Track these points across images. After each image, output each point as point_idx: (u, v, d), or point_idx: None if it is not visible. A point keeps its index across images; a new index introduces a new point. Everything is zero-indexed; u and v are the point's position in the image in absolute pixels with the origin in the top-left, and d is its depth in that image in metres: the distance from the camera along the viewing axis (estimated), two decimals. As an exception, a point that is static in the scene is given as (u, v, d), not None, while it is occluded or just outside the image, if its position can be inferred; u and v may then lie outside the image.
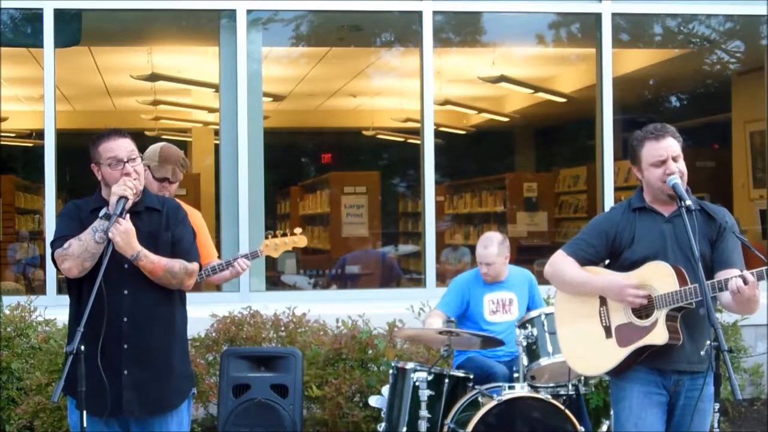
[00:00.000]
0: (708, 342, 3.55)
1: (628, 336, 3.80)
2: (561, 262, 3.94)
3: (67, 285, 3.88)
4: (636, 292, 3.75)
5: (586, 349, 3.95)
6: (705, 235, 3.80)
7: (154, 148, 4.83)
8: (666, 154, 3.80)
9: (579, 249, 3.93)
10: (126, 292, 3.74)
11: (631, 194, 4.04)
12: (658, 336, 3.72)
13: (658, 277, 3.73)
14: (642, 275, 3.77)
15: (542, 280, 4.37)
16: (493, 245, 5.59)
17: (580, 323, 3.94)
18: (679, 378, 3.82)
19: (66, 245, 3.69)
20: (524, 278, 5.78)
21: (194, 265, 3.84)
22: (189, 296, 4.01)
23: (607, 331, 3.86)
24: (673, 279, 3.69)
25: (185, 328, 4.00)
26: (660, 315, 3.72)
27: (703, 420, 3.83)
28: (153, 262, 3.70)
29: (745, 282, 3.56)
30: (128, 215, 3.69)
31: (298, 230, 4.98)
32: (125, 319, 3.73)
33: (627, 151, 3.97)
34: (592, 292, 3.89)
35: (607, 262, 3.98)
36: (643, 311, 3.78)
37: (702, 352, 3.78)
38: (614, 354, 3.83)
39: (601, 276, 3.87)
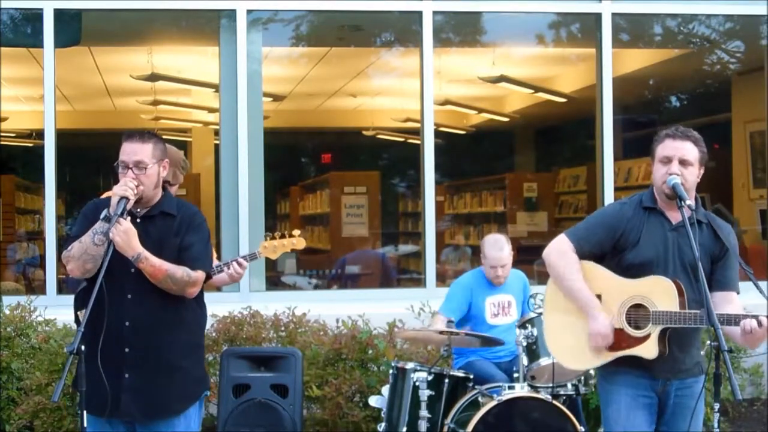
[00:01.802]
0: (708, 342, 3.55)
1: (617, 342, 3.78)
2: (563, 256, 3.87)
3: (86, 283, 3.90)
4: (602, 345, 3.75)
5: (573, 343, 3.91)
6: (707, 251, 3.78)
7: None
8: (675, 154, 3.76)
9: (584, 240, 3.88)
10: (129, 296, 3.74)
11: (633, 193, 4.02)
12: (648, 350, 3.71)
13: (659, 293, 3.70)
14: (643, 287, 3.75)
15: (541, 281, 4.37)
16: (505, 247, 5.59)
17: (571, 315, 3.89)
18: (666, 381, 3.82)
19: (70, 247, 3.72)
20: (519, 280, 5.78)
21: (198, 274, 3.80)
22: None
23: None
24: (673, 298, 3.67)
25: (198, 331, 4.00)
26: (654, 330, 3.70)
27: (697, 419, 3.86)
28: (154, 265, 3.69)
29: (760, 324, 3.55)
30: (138, 219, 3.69)
31: (296, 232, 4.97)
32: (127, 323, 3.72)
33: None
34: (578, 304, 3.85)
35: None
36: (634, 320, 3.75)
37: (702, 352, 3.80)
38: (600, 355, 3.82)
39: (595, 307, 3.80)
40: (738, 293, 3.82)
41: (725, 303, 3.74)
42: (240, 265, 4.73)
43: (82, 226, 3.80)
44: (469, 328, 5.49)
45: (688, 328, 3.72)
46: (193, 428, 3.90)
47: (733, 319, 3.59)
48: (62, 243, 7.07)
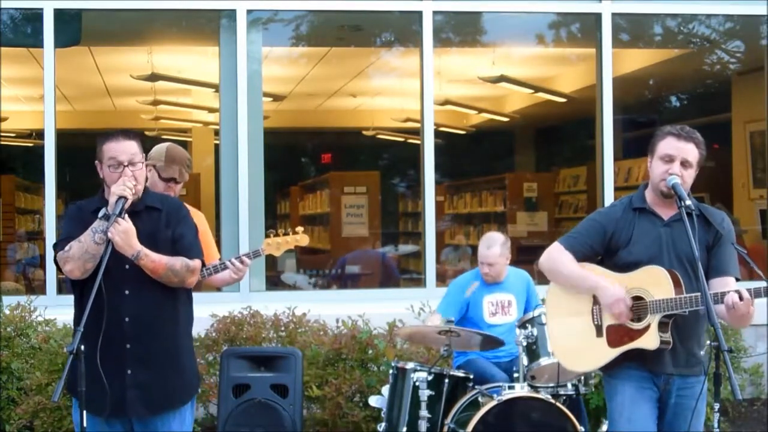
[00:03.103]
0: (708, 342, 3.56)
1: (618, 337, 3.81)
2: (558, 255, 3.93)
3: (71, 285, 3.88)
4: (625, 310, 3.74)
5: (576, 345, 3.95)
6: (701, 241, 3.78)
7: (160, 148, 4.82)
8: (678, 154, 3.78)
9: (576, 243, 3.93)
10: (127, 292, 3.74)
11: (632, 192, 4.04)
12: (649, 341, 3.73)
13: (654, 282, 3.73)
14: (638, 279, 3.78)
15: (542, 280, 4.38)
16: (495, 246, 5.59)
17: (572, 318, 3.94)
18: (669, 377, 3.83)
19: (67, 248, 3.70)
20: (522, 279, 5.78)
21: (196, 262, 3.83)
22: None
23: (598, 329, 3.87)
24: (669, 285, 3.70)
25: (191, 327, 4.00)
26: (653, 320, 3.72)
27: (698, 420, 3.87)
28: (154, 261, 3.70)
29: (741, 298, 3.56)
30: (127, 215, 3.69)
31: (299, 229, 4.99)
32: (127, 319, 3.73)
33: (650, 142, 3.92)
34: (586, 290, 3.89)
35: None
36: (635, 314, 3.78)
37: (702, 352, 3.81)
38: (603, 353, 3.84)
39: (599, 277, 3.86)
40: (738, 279, 3.81)
41: (723, 288, 3.73)
42: (242, 262, 4.74)
43: (69, 228, 3.79)
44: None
45: (689, 320, 3.74)
46: (186, 426, 3.92)
47: (720, 297, 3.61)
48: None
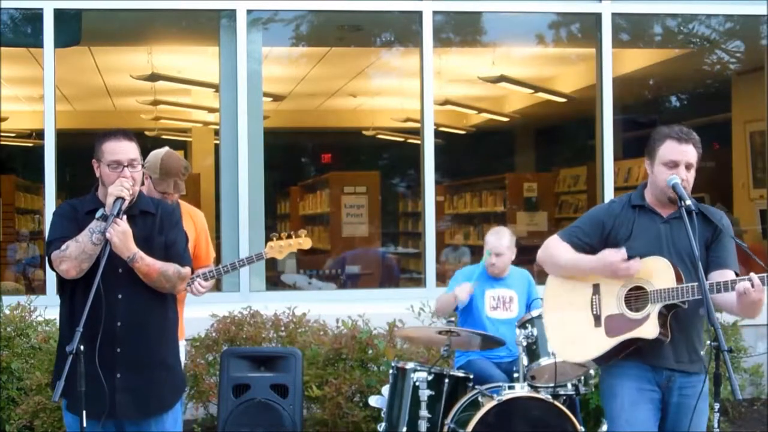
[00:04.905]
0: (708, 342, 3.56)
1: (617, 327, 3.80)
2: (555, 246, 3.94)
3: (59, 285, 3.87)
4: (627, 264, 3.73)
5: (573, 334, 3.94)
6: (701, 238, 3.78)
7: (155, 159, 4.77)
8: (682, 159, 3.78)
9: (574, 236, 3.94)
10: (120, 296, 3.73)
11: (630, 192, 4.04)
12: (648, 330, 3.72)
13: (656, 272, 3.73)
14: (641, 269, 3.77)
15: (542, 280, 4.38)
16: (505, 237, 5.64)
17: (570, 309, 3.93)
18: (671, 374, 3.82)
19: (63, 247, 3.68)
20: (523, 277, 5.80)
21: (187, 270, 3.83)
22: (189, 296, 4.01)
23: (597, 319, 3.86)
24: (671, 275, 3.70)
25: (177, 329, 4.01)
26: (653, 310, 3.72)
27: (700, 419, 3.85)
28: (148, 264, 3.70)
29: (753, 285, 3.55)
30: (125, 217, 3.69)
31: (302, 232, 5.00)
32: (119, 323, 3.72)
33: (647, 144, 3.91)
34: (584, 272, 3.88)
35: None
36: (634, 304, 3.78)
37: (702, 352, 3.81)
38: (601, 343, 3.83)
39: (595, 256, 3.85)
40: (737, 273, 3.79)
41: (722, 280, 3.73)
42: (201, 283, 4.77)
43: (61, 227, 3.76)
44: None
45: (688, 313, 3.74)
46: (179, 426, 3.94)
47: (730, 285, 3.60)
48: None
